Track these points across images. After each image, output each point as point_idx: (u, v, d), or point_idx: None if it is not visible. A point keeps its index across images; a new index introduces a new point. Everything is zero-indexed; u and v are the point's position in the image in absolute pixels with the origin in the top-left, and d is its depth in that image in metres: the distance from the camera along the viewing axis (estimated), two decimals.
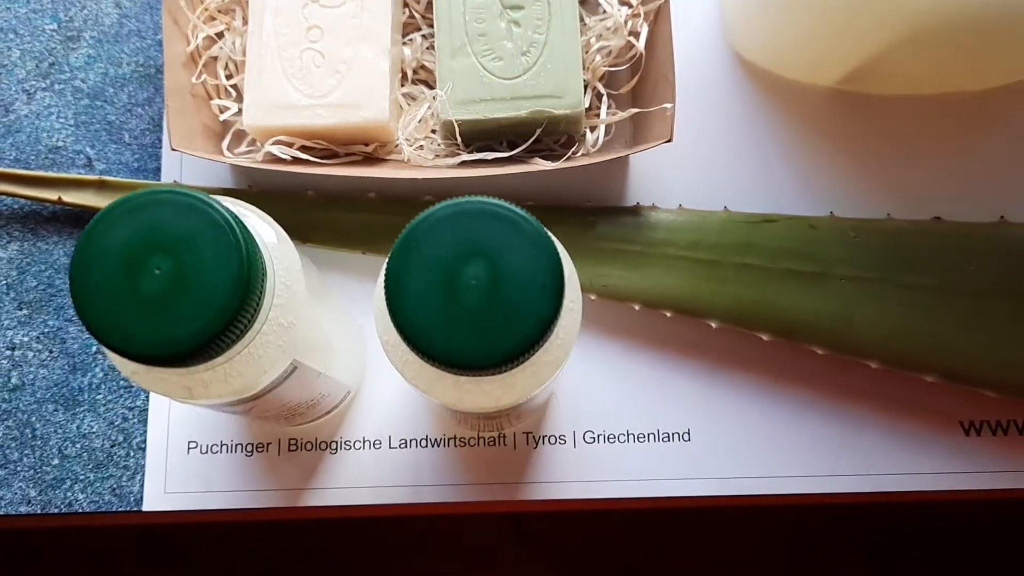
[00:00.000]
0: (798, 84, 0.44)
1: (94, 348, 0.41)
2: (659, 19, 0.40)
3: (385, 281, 0.25)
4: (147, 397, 0.41)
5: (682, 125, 0.43)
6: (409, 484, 0.40)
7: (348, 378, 0.38)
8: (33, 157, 0.43)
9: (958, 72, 0.43)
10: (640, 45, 0.41)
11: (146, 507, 0.39)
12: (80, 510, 0.40)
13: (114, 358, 0.27)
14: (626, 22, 0.41)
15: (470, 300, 0.24)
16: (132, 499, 0.40)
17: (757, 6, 0.42)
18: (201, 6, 0.41)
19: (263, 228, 0.28)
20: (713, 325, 0.40)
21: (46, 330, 0.41)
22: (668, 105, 0.38)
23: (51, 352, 0.41)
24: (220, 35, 0.42)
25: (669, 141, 0.38)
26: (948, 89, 0.43)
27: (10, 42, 0.44)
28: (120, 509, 0.40)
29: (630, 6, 0.41)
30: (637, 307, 0.40)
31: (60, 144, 0.43)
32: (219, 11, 0.42)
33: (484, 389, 0.27)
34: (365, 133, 0.40)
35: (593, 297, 0.40)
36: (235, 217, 0.25)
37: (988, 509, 0.40)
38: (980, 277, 0.40)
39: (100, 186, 0.42)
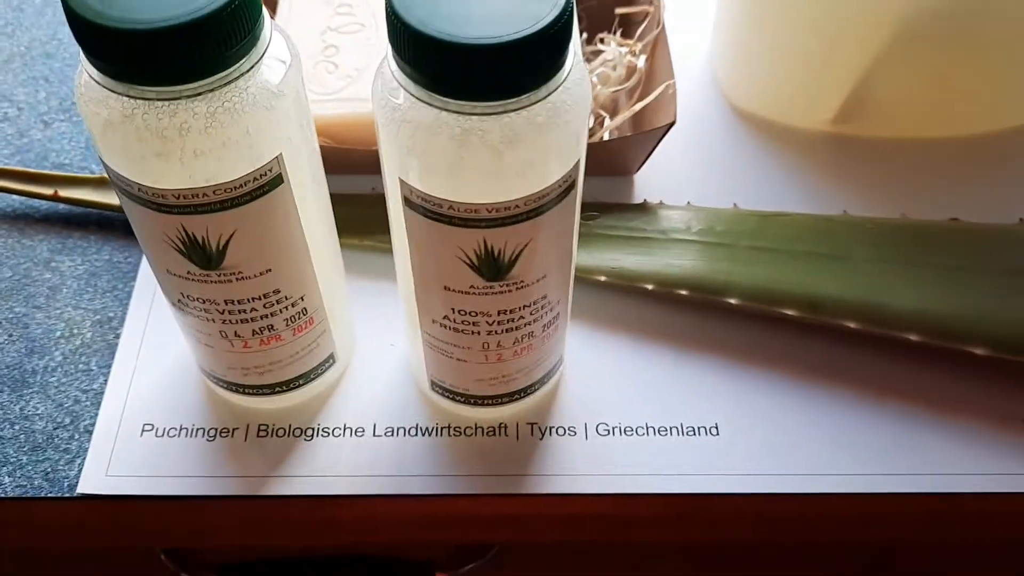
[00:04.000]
0: (791, 128, 0.45)
1: (57, 333, 0.38)
2: (658, 46, 0.43)
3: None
4: (105, 380, 0.36)
5: (682, 156, 0.43)
6: (392, 474, 0.34)
7: (336, 327, 0.34)
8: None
9: (948, 111, 0.44)
10: (640, 63, 0.43)
11: (81, 489, 0.33)
12: (2, 495, 0.33)
13: (84, 97, 0.25)
14: (626, 55, 0.44)
15: (477, 7, 0.23)
16: (66, 484, 0.34)
17: (743, 52, 0.45)
18: None
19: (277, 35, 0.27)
20: (733, 302, 0.37)
21: (11, 315, 0.38)
22: (670, 81, 0.39)
23: (11, 336, 0.37)
24: None
25: (673, 124, 0.38)
26: (939, 133, 0.44)
27: (39, 87, 0.46)
28: (49, 495, 0.33)
29: (628, 46, 0.44)
30: (650, 287, 0.37)
31: (67, 161, 0.43)
32: None
33: (487, 142, 0.24)
34: (368, 126, 0.40)
35: (602, 278, 0.38)
36: None
37: None
38: (1003, 260, 0.38)
39: (100, 183, 0.41)
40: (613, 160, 0.41)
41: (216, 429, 0.35)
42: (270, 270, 0.29)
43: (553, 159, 0.26)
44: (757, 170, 0.44)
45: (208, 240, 0.27)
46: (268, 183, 0.27)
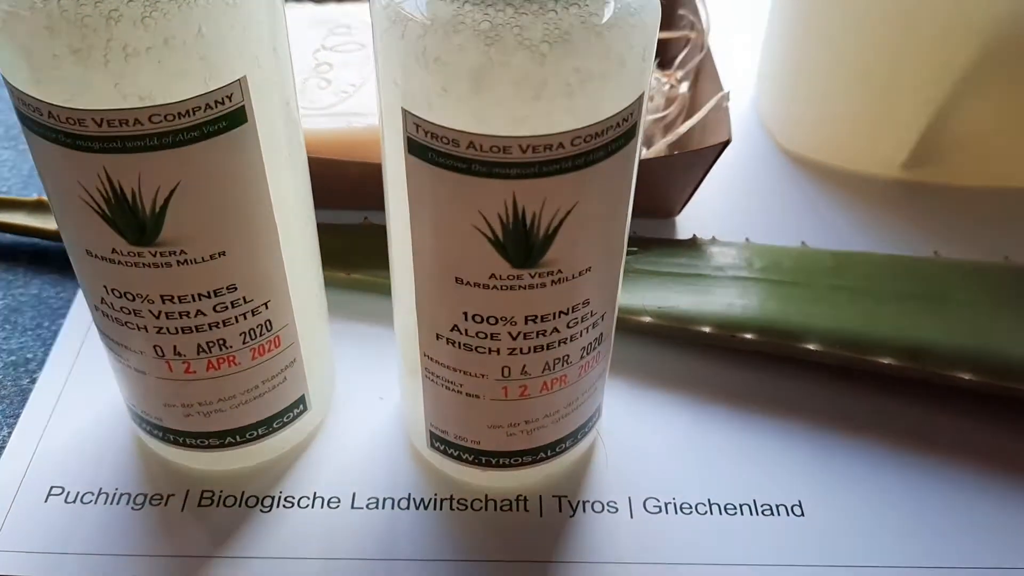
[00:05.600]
0: (854, 173, 0.39)
1: None
2: (701, 73, 0.37)
3: None
4: (9, 432, 0.28)
5: (728, 200, 0.37)
6: (376, 558, 0.26)
7: (310, 360, 0.26)
8: None
9: None
10: (683, 88, 0.37)
11: None
12: None
13: None
14: (665, 85, 0.38)
15: None
16: None
17: (791, 89, 0.40)
18: None
19: None
20: (812, 348, 0.29)
21: None
22: (724, 92, 0.33)
23: None
24: None
25: (728, 143, 0.32)
26: None
27: None
28: None
29: (667, 76, 0.39)
30: (707, 330, 0.30)
31: (5, 189, 0.36)
32: None
33: (526, 40, 0.18)
34: (365, 145, 0.34)
35: (647, 319, 0.30)
36: None
37: None
38: None
39: (36, 207, 0.34)
40: (654, 188, 0.34)
41: (146, 495, 0.27)
42: (224, 253, 0.22)
43: (611, 78, 0.19)
44: (819, 215, 0.37)
45: (140, 196, 0.20)
46: (225, 117, 0.20)
